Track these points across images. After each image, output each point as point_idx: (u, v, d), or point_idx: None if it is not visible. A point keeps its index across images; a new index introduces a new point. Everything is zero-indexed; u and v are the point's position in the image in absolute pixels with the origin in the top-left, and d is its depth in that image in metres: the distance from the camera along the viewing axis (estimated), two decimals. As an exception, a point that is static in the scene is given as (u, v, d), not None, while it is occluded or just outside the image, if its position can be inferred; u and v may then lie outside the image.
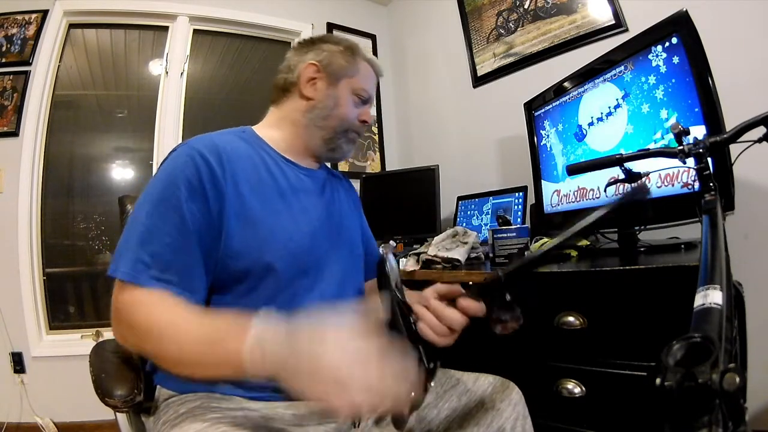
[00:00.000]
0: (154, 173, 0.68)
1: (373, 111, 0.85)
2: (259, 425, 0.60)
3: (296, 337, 0.45)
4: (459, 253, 1.30)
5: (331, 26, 2.49)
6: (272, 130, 0.80)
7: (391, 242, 1.90)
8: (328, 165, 0.91)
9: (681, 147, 0.71)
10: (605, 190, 1.13)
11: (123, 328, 0.57)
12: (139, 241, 0.58)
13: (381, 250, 0.63)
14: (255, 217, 0.66)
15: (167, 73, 2.13)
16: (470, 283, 0.63)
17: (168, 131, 2.09)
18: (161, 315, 0.54)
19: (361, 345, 0.44)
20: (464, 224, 1.84)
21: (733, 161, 0.80)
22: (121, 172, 2.17)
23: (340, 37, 0.85)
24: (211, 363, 0.49)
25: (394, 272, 0.61)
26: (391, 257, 0.63)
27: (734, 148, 0.72)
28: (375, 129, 2.56)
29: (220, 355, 0.48)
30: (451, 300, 0.58)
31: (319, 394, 0.41)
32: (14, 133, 1.86)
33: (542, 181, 1.44)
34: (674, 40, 0.98)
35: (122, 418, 0.74)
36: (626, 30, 1.53)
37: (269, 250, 0.65)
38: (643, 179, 0.42)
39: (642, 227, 1.18)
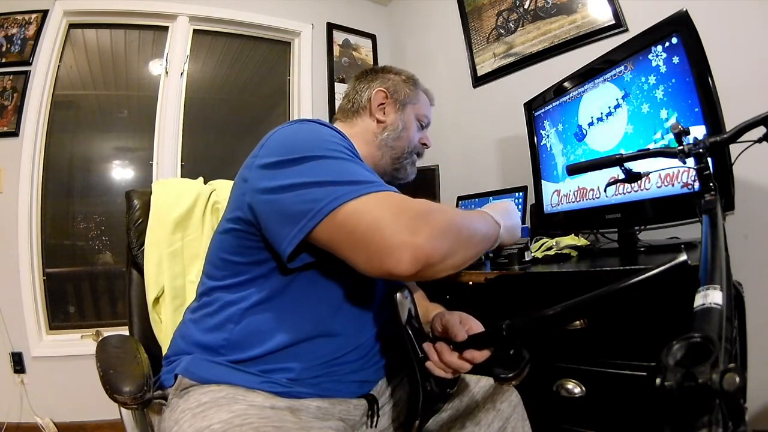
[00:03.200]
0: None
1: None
2: (286, 418, 0.60)
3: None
4: (459, 253, 1.30)
5: (331, 26, 2.48)
6: None
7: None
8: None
9: (681, 147, 0.71)
10: (605, 190, 1.13)
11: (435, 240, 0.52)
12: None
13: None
14: None
15: (167, 73, 2.13)
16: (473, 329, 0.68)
17: (168, 131, 2.09)
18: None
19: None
20: (464, 224, 1.83)
21: (733, 161, 0.80)
22: (121, 172, 2.17)
23: (398, 68, 0.93)
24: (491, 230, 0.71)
25: (405, 305, 0.65)
26: (405, 291, 0.65)
27: (734, 148, 0.72)
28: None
29: (491, 224, 0.73)
30: (456, 345, 0.62)
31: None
32: (14, 133, 1.86)
33: (542, 181, 1.44)
34: (674, 40, 0.98)
35: (127, 415, 0.74)
36: (626, 30, 1.53)
37: None
38: (682, 258, 0.40)
39: (642, 227, 1.18)
